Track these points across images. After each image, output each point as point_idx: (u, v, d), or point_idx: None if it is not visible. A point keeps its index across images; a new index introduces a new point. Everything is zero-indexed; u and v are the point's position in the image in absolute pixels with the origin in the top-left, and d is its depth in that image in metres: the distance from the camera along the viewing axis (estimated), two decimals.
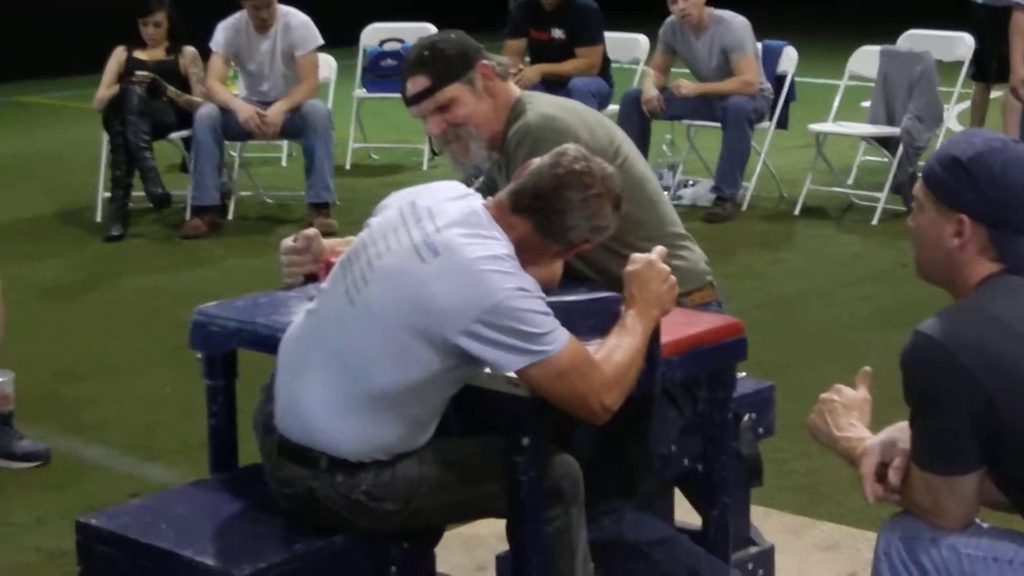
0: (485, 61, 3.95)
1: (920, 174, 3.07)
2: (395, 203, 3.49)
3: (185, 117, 8.97)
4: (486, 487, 3.45)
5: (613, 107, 9.71)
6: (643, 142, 9.43)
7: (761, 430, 4.22)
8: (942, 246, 2.97)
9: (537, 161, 3.45)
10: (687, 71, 9.67)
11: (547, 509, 3.45)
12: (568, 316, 3.49)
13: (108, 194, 9.01)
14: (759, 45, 9.46)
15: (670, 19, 9.42)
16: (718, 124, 9.28)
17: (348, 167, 10.65)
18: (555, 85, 9.46)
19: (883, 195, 8.98)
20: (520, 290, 3.26)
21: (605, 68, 9.91)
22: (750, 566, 4.24)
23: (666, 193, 9.17)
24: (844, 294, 7.54)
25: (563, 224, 3.39)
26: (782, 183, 9.63)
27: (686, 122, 9.69)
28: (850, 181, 9.67)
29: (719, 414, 3.84)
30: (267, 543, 3.35)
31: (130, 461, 5.45)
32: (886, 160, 9.34)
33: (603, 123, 4.06)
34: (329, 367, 3.37)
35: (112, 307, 7.53)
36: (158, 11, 9.18)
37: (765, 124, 9.47)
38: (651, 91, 9.30)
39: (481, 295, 3.24)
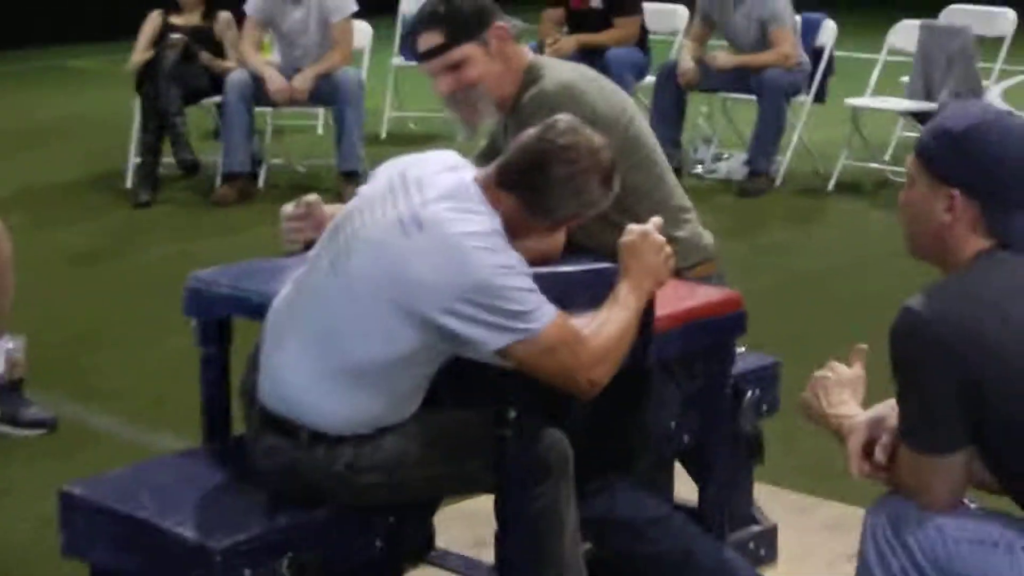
0: (500, 22, 3.89)
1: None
2: (386, 172, 3.43)
3: (219, 83, 8.92)
4: (473, 461, 3.40)
5: (650, 79, 9.64)
6: (679, 114, 9.39)
7: (765, 407, 4.14)
8: (933, 221, 2.89)
9: (526, 134, 3.38)
10: (725, 43, 9.57)
11: (534, 484, 3.38)
12: (565, 287, 3.46)
13: (139, 159, 9.00)
14: (798, 18, 9.35)
15: None
16: (754, 97, 9.18)
17: (383, 136, 10.60)
18: (591, 55, 9.43)
19: None
20: (503, 267, 3.20)
21: (643, 39, 9.83)
22: (751, 545, 4.17)
23: (700, 167, 9.32)
24: (873, 270, 7.43)
25: (548, 200, 3.31)
26: (818, 158, 9.52)
27: (722, 95, 9.59)
28: (887, 157, 9.55)
29: (716, 390, 3.79)
30: (248, 516, 3.30)
31: (137, 429, 5.43)
32: None
33: (615, 90, 4.01)
34: (309, 339, 3.33)
35: (136, 274, 7.52)
36: None
37: (802, 97, 9.36)
38: (687, 63, 9.22)
39: (463, 273, 3.18)
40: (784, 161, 9.33)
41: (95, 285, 7.31)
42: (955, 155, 2.84)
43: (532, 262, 3.68)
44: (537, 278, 3.33)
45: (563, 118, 3.38)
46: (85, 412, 5.61)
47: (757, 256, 7.54)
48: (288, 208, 3.95)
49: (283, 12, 8.94)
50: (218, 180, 8.99)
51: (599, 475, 3.68)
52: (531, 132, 3.36)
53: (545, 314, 3.23)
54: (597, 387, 3.32)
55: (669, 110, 9.35)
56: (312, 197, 3.95)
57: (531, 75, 3.90)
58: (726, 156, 9.60)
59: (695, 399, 3.82)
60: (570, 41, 9.63)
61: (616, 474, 3.73)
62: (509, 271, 3.21)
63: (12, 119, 11.66)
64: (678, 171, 9.31)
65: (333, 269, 3.32)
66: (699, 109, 9.73)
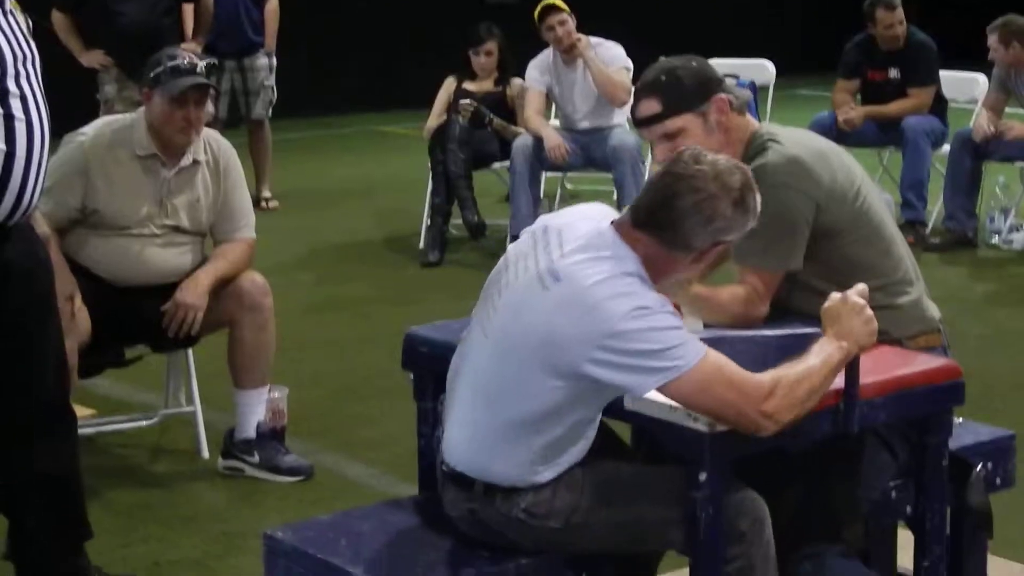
0: (723, 95, 3.87)
1: None
2: (531, 230, 3.45)
3: (509, 148, 9.04)
4: (655, 510, 3.36)
5: (947, 147, 9.45)
6: (974, 183, 9.20)
7: (999, 481, 4.01)
8: None
9: (654, 172, 3.37)
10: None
11: (726, 548, 3.34)
12: (765, 349, 3.42)
13: (429, 221, 9.20)
14: None
15: None
16: None
17: None
18: (887, 124, 9.36)
19: None
20: (638, 309, 3.18)
21: (942, 108, 9.65)
22: None
23: (996, 237, 9.06)
24: None
25: (681, 233, 3.27)
26: None
27: (1019, 164, 9.32)
28: None
29: (931, 461, 3.66)
30: (436, 567, 3.35)
31: (390, 480, 5.51)
32: None
33: (845, 164, 3.92)
34: (469, 399, 3.40)
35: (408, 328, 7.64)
36: (488, 41, 9.29)
37: None
38: (983, 123, 9.01)
39: (599, 322, 3.18)
40: None
41: (366, 338, 7.45)
42: None
43: (734, 325, 3.68)
44: (738, 340, 3.29)
45: (688, 149, 3.36)
46: (343, 462, 5.74)
47: None
48: None
49: (559, 78, 9.06)
50: (508, 242, 9.11)
51: (808, 543, 3.60)
52: (658, 170, 3.35)
53: (692, 351, 3.19)
54: (774, 422, 3.24)
55: (964, 179, 9.16)
56: None
57: (756, 146, 3.86)
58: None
59: (913, 469, 3.72)
60: (859, 111, 9.54)
61: (826, 542, 3.64)
62: (645, 312, 3.18)
63: (321, 179, 12.07)
64: (971, 241, 9.12)
65: (483, 329, 3.38)
66: (996, 179, 9.46)
